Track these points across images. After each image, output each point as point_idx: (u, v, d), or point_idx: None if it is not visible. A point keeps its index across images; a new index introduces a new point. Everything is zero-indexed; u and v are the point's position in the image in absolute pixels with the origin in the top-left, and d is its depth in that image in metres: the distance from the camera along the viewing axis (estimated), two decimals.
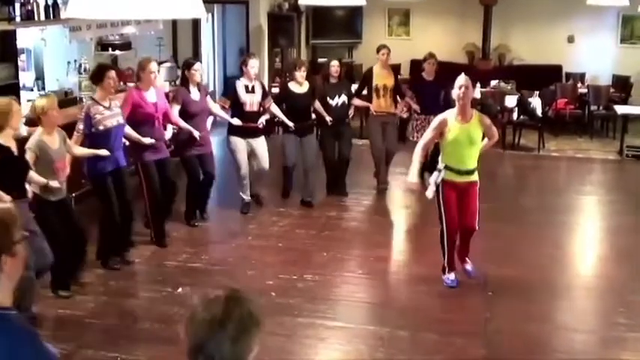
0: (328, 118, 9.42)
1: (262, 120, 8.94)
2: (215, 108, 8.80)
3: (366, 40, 16.11)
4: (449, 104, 7.48)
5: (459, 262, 7.14)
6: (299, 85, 9.29)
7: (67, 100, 9.51)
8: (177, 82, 11.97)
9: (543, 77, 14.55)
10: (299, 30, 15.50)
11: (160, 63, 11.82)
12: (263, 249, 7.99)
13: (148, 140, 7.51)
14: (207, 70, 15.24)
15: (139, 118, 7.53)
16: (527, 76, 14.64)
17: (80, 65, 10.26)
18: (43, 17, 8.98)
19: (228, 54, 16.34)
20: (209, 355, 2.18)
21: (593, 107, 14.27)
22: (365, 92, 10.14)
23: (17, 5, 8.61)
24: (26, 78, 9.69)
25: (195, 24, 13.92)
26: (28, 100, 8.73)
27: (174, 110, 8.11)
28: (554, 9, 15.30)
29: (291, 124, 9.15)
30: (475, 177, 6.88)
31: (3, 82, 8.53)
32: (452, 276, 7.06)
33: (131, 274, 7.25)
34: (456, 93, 6.69)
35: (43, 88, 9.82)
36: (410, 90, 10.30)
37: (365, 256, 7.88)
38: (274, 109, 9.14)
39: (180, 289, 6.85)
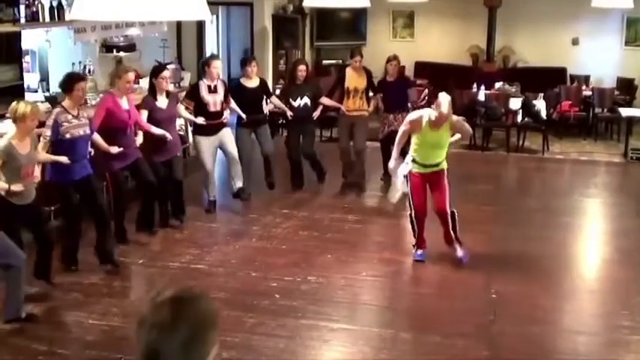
0: (289, 113, 9.76)
1: (226, 115, 9.08)
2: (184, 114, 8.86)
3: (370, 42, 16.10)
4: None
5: (450, 248, 7.60)
6: (249, 80, 9.48)
7: None
8: (180, 83, 12.03)
9: (548, 79, 14.52)
10: (303, 32, 15.51)
11: (164, 65, 11.85)
12: (266, 250, 7.99)
13: (115, 149, 7.48)
14: None
15: (112, 124, 7.51)
16: (532, 79, 14.63)
17: (85, 67, 10.28)
18: (47, 19, 9.00)
19: (232, 56, 16.33)
20: None
21: (598, 110, 14.25)
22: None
23: (22, 7, 8.63)
24: (31, 79, 9.71)
25: (200, 26, 13.94)
26: (33, 102, 8.75)
27: (143, 116, 8.11)
28: (559, 11, 15.28)
29: (244, 115, 9.33)
30: (442, 166, 7.43)
31: (8, 84, 8.55)
32: (420, 251, 7.65)
33: (135, 275, 7.26)
34: (435, 111, 7.07)
35: (48, 90, 9.83)
36: (377, 91, 10.58)
37: (368, 257, 7.87)
38: (233, 105, 9.25)
39: None
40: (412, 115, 7.47)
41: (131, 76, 7.73)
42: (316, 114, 10.08)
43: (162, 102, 8.27)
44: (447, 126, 7.20)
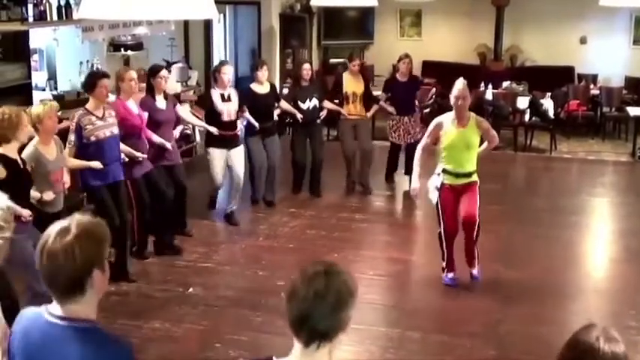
0: (299, 115, 9.51)
1: (240, 126, 8.80)
2: (191, 118, 8.58)
3: (377, 41, 16.10)
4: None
5: (467, 265, 7.15)
6: (260, 85, 9.19)
7: (78, 100, 9.51)
8: (192, 83, 12.04)
9: (555, 78, 14.50)
10: (310, 31, 15.50)
11: (171, 64, 11.88)
12: (274, 249, 8.00)
13: (140, 155, 7.23)
14: None
15: (126, 130, 7.11)
16: (539, 78, 14.60)
17: (92, 66, 10.28)
18: (55, 17, 9.02)
19: (239, 55, 16.34)
20: (314, 326, 2.38)
21: (606, 109, 14.23)
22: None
23: (30, 6, 8.65)
24: (39, 78, 9.73)
25: (207, 24, 13.94)
26: (41, 101, 8.78)
27: (144, 119, 7.73)
28: (567, 10, 15.23)
29: (257, 124, 9.02)
30: (474, 178, 6.95)
31: (16, 82, 8.56)
32: (451, 275, 7.11)
33: (142, 274, 7.26)
34: (452, 101, 6.80)
35: (56, 88, 9.85)
36: (384, 92, 10.40)
37: (376, 257, 7.88)
38: (246, 113, 8.95)
39: (191, 289, 6.87)
40: (434, 122, 7.05)
41: (133, 73, 7.38)
42: (323, 114, 9.94)
43: (161, 103, 7.88)
44: (473, 124, 6.84)
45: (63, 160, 6.25)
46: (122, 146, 7.08)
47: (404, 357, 5.79)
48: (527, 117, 13.24)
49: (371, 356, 5.80)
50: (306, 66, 9.80)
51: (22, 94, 8.62)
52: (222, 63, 9.08)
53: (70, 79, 10.07)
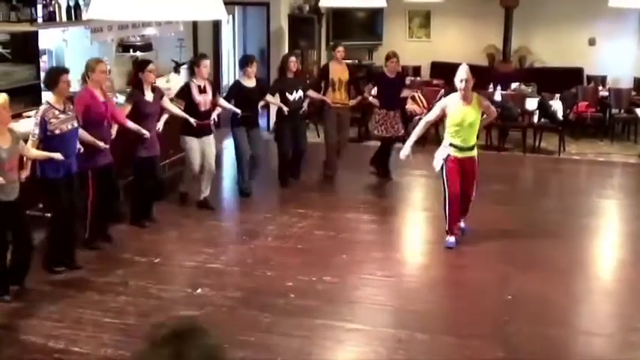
0: (285, 108, 9.82)
1: (214, 115, 9.16)
2: (174, 109, 8.74)
3: (386, 42, 16.07)
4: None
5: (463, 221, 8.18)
6: (249, 80, 9.57)
7: None
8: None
9: (564, 80, 14.45)
10: (319, 32, 15.50)
11: (180, 64, 11.89)
12: (282, 250, 8.00)
13: (102, 144, 7.40)
14: (227, 71, 15.27)
15: (91, 118, 7.35)
16: (548, 79, 14.56)
17: None
18: (64, 18, 9.06)
19: None
20: None
21: (615, 110, 14.16)
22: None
23: (39, 7, 8.69)
24: None
25: (216, 25, 13.96)
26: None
27: (125, 110, 8.05)
28: (576, 11, 15.20)
29: (239, 111, 9.33)
30: (474, 152, 7.98)
31: (25, 83, 8.60)
32: (452, 239, 7.95)
33: (150, 274, 7.27)
34: (457, 84, 7.71)
35: None
36: (371, 83, 10.97)
37: (384, 258, 7.86)
38: (223, 102, 9.38)
39: (199, 290, 6.87)
40: (442, 101, 8.06)
41: (104, 66, 7.61)
42: (305, 104, 10.26)
43: (149, 96, 8.29)
44: (475, 101, 7.79)
45: (17, 150, 6.35)
46: (86, 135, 7.26)
47: (412, 358, 5.78)
48: (535, 118, 13.20)
49: (379, 357, 5.79)
50: (292, 59, 10.16)
51: (30, 94, 8.66)
52: (201, 56, 9.35)
53: (79, 80, 10.07)
